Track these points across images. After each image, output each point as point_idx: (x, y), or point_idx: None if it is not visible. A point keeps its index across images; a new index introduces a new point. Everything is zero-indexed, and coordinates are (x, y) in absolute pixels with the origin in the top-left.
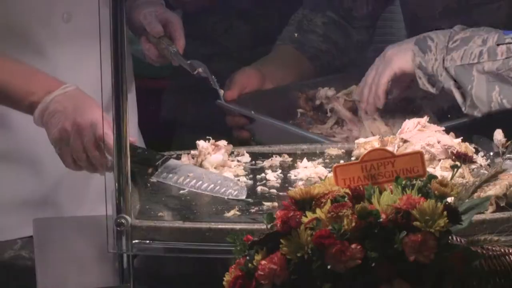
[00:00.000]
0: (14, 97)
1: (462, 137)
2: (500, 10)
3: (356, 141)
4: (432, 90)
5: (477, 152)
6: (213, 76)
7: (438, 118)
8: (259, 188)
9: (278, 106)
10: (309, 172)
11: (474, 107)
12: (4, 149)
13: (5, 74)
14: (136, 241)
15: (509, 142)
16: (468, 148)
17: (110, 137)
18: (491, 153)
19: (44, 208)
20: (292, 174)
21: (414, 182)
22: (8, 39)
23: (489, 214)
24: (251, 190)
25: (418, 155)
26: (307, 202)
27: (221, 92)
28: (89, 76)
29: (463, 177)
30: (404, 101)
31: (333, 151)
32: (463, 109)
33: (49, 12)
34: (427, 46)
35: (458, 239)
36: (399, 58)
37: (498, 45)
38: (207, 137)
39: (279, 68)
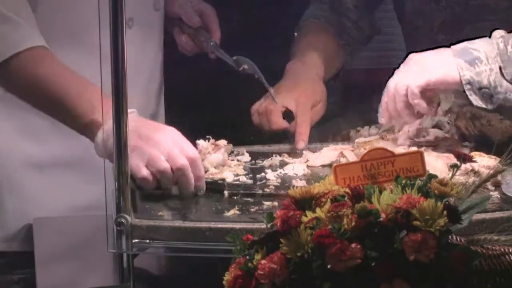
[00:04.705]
0: (71, 111)
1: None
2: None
3: (356, 140)
4: (488, 106)
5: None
6: (261, 76)
7: None
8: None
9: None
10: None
11: None
12: (69, 155)
13: (63, 83)
14: (136, 240)
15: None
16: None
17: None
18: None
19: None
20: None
21: (414, 181)
22: (69, 42)
23: (489, 213)
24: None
25: (418, 155)
26: (307, 202)
27: (272, 90)
28: (144, 80)
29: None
30: None
31: (330, 149)
32: None
33: None
34: (475, 58)
35: (458, 239)
36: (438, 69)
37: None
38: (207, 136)
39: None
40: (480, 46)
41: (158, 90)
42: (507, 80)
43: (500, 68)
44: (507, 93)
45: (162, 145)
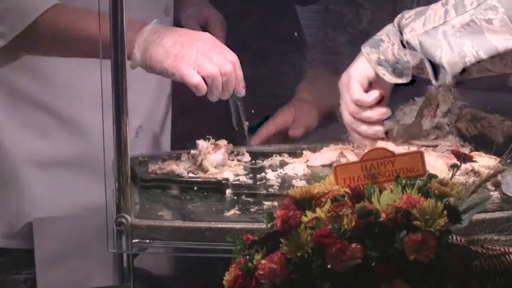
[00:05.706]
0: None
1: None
2: None
3: None
4: (402, 80)
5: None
6: (239, 103)
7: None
8: None
9: None
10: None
11: (445, 74)
12: (73, 153)
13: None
14: (136, 240)
15: None
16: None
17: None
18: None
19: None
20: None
21: (414, 181)
22: None
23: (489, 213)
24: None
25: (418, 155)
26: (307, 202)
27: (246, 126)
28: (153, 85)
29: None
30: None
31: (330, 149)
32: (433, 82)
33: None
34: (378, 40)
35: (458, 239)
36: (353, 70)
37: None
38: (207, 136)
39: (317, 94)
40: (383, 31)
41: (167, 95)
42: (406, 46)
43: (402, 41)
44: (412, 60)
45: (206, 51)
